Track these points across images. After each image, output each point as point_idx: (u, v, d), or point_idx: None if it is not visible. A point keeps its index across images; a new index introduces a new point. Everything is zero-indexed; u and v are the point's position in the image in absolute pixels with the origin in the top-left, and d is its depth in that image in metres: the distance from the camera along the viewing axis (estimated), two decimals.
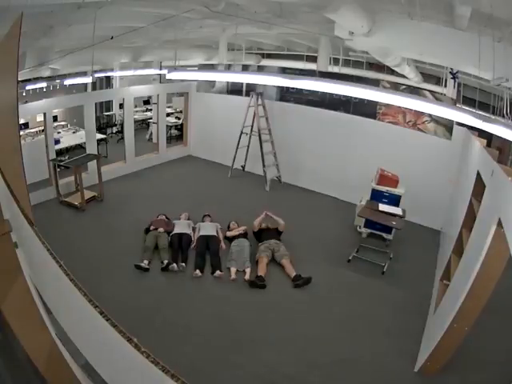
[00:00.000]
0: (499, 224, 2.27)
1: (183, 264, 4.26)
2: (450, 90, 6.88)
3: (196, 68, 9.01)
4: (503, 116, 4.50)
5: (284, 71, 7.74)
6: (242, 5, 4.96)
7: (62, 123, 9.70)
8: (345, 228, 5.48)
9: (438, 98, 5.58)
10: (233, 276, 4.18)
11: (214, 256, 4.39)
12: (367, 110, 6.09)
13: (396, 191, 5.09)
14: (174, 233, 4.75)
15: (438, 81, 8.78)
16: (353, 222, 5.49)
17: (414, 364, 3.11)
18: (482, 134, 4.20)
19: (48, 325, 1.75)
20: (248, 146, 7.19)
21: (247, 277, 4.15)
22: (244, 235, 4.86)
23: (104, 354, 1.44)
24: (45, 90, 9.84)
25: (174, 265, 4.19)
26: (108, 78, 12.02)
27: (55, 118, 8.85)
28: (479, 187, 3.18)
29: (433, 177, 5.43)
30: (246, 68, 8.54)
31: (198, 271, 4.14)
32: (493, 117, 5.83)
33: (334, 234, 5.15)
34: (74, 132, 9.09)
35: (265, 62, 11.50)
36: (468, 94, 8.50)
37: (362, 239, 5.06)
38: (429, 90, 6.55)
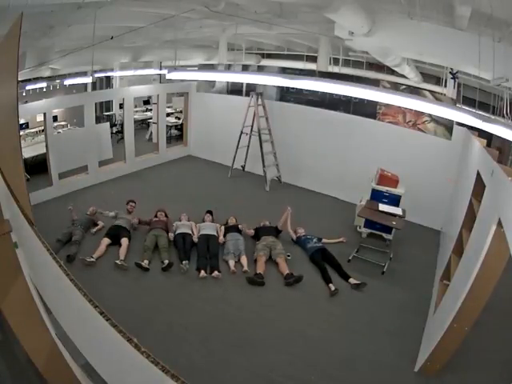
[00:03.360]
0: (499, 224, 2.27)
1: (187, 261, 4.27)
2: (450, 90, 6.89)
3: (196, 68, 9.01)
4: (503, 116, 4.50)
5: (284, 71, 7.74)
6: (242, 5, 4.97)
7: (62, 123, 9.71)
8: (345, 228, 5.47)
9: (438, 98, 5.58)
10: (232, 268, 4.24)
11: (213, 257, 4.40)
12: (367, 110, 6.08)
13: (396, 191, 5.09)
14: (177, 233, 4.76)
15: (437, 81, 8.79)
16: (353, 221, 5.49)
17: (414, 364, 3.11)
18: (482, 134, 4.20)
19: (48, 325, 1.75)
20: (248, 146, 7.19)
21: (245, 268, 4.23)
22: (237, 229, 4.89)
23: (104, 354, 1.44)
24: (45, 89, 9.86)
25: (186, 262, 4.20)
26: (108, 77, 12.04)
27: (55, 118, 8.85)
28: (479, 187, 3.18)
29: (433, 177, 5.43)
30: (246, 68, 8.55)
31: (202, 272, 4.14)
32: (493, 117, 5.84)
33: (333, 233, 5.14)
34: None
35: (265, 62, 11.51)
36: (468, 94, 8.51)
37: (362, 239, 5.06)
38: (429, 90, 6.55)
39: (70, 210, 4.89)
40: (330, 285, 4.06)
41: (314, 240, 4.78)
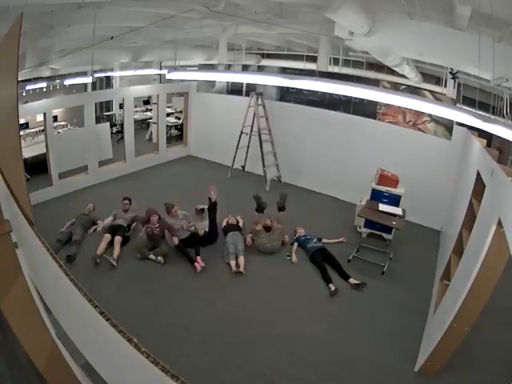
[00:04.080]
0: (499, 224, 2.27)
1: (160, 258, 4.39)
2: (450, 90, 6.88)
3: (196, 68, 9.01)
4: (503, 116, 4.50)
5: (284, 71, 7.74)
6: (242, 5, 4.97)
7: (62, 123, 9.71)
8: (345, 228, 5.47)
9: (438, 98, 5.58)
10: (233, 268, 4.27)
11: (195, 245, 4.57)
12: (367, 110, 6.08)
13: (396, 191, 5.08)
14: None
15: (437, 81, 8.78)
16: (353, 221, 5.48)
17: (414, 364, 3.11)
18: (482, 133, 4.20)
19: (48, 325, 1.75)
20: (248, 146, 7.19)
21: (241, 269, 4.26)
22: (238, 228, 4.92)
23: (104, 354, 1.44)
24: (45, 89, 9.86)
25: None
26: (108, 77, 12.03)
27: (55, 118, 8.85)
28: (479, 187, 3.18)
29: (433, 177, 5.43)
30: (246, 68, 8.55)
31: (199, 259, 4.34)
32: (493, 117, 5.84)
33: (333, 233, 5.14)
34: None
35: (265, 62, 11.50)
36: (468, 94, 8.50)
37: (362, 239, 5.06)
38: (429, 90, 6.55)
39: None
40: (330, 285, 4.07)
41: (314, 240, 4.78)
